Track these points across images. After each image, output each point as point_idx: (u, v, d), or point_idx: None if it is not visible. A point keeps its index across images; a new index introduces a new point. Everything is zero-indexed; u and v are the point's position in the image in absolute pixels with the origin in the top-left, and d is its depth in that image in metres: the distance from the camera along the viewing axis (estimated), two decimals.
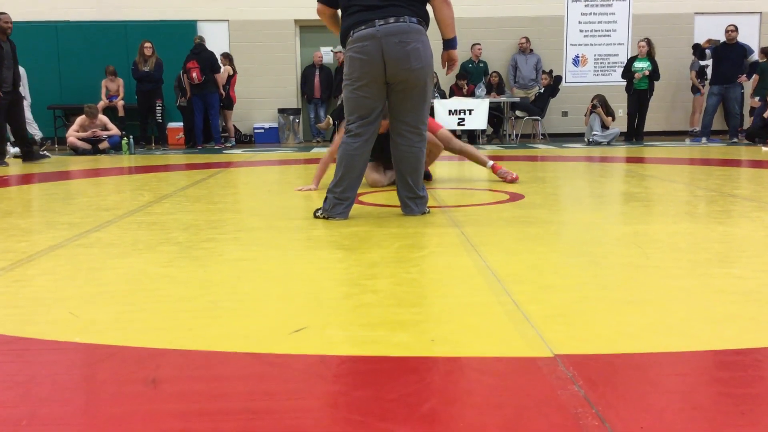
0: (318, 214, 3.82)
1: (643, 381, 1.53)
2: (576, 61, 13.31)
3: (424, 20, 3.66)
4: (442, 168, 7.34)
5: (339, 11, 3.78)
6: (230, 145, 12.01)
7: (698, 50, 11.45)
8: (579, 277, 2.48)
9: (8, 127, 9.01)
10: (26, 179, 6.80)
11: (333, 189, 3.74)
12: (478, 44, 12.62)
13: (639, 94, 11.63)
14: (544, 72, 12.42)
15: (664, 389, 1.50)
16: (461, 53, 12.51)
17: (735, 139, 11.26)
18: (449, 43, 3.79)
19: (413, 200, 3.86)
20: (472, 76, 12.39)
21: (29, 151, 8.86)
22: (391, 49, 3.52)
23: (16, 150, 9.62)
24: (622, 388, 1.48)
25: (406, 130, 3.73)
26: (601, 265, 2.68)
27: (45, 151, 10.11)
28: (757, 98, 11.22)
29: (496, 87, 12.33)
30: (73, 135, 10.41)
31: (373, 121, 3.70)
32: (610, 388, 1.48)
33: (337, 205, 3.74)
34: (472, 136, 12.01)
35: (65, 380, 1.60)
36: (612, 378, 1.54)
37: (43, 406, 1.44)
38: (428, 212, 3.93)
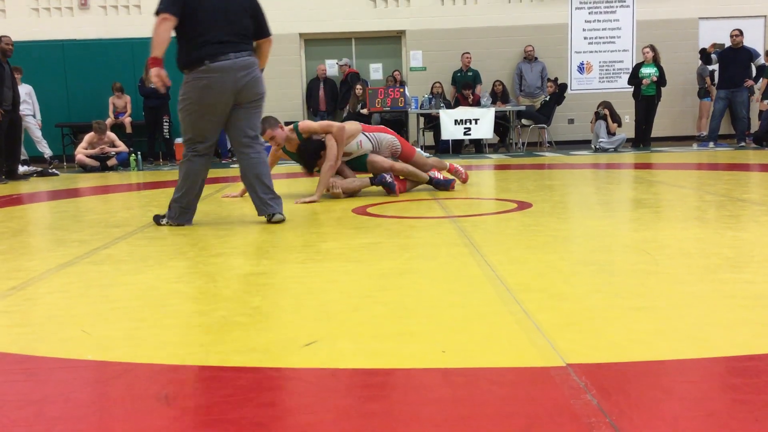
0: (163, 222, 4.24)
1: (656, 389, 1.52)
2: (581, 69, 13.31)
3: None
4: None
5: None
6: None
7: (703, 55, 11.45)
8: (589, 284, 2.48)
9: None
10: (36, 197, 6.84)
11: (179, 200, 4.20)
12: (468, 53, 12.64)
13: (647, 100, 11.61)
14: (549, 80, 12.43)
15: (678, 397, 1.49)
16: (454, 62, 12.63)
17: (743, 143, 11.22)
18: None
19: (273, 199, 4.25)
20: (460, 85, 12.41)
21: (13, 170, 8.91)
22: (244, 79, 4.07)
23: (26, 168, 9.69)
24: (635, 397, 1.47)
25: (252, 141, 4.23)
26: (611, 273, 2.67)
27: (54, 169, 10.17)
28: (766, 101, 11.19)
29: (500, 96, 12.35)
30: (81, 152, 10.46)
31: (214, 142, 4.26)
32: (623, 396, 1.47)
33: (183, 213, 4.22)
34: (478, 146, 12.02)
35: (78, 398, 1.61)
36: (625, 386, 1.53)
37: (56, 425, 1.45)
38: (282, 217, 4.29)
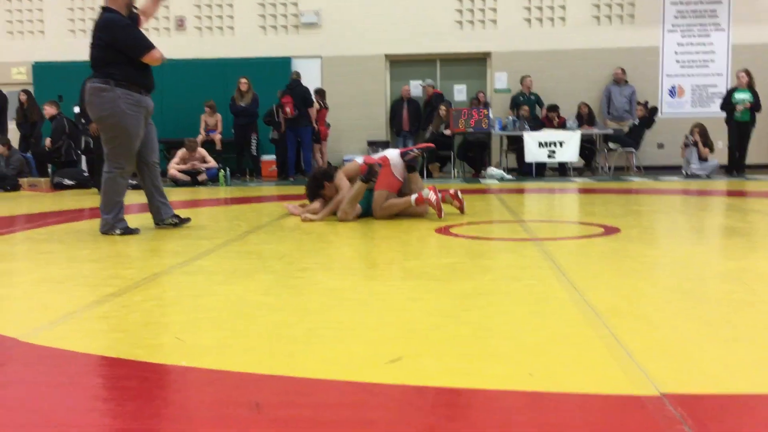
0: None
1: (758, 423, 1.46)
2: (672, 92, 12.95)
3: (112, 78, 4.77)
4: (531, 200, 7.25)
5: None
6: None
7: None
8: (682, 312, 2.39)
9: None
10: (129, 210, 7.11)
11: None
12: (529, 76, 12.47)
13: (740, 126, 11.19)
14: (639, 103, 12.14)
15: None
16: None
17: None
18: None
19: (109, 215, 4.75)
20: (521, 108, 12.28)
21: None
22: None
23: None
24: (734, 431, 1.41)
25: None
26: (705, 301, 2.58)
27: None
28: None
29: (586, 118, 12.14)
30: (173, 167, 10.88)
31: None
32: (722, 430, 1.41)
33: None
34: (563, 169, 11.83)
35: (173, 401, 1.66)
36: (724, 419, 1.47)
37: (153, 425, 1.50)
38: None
